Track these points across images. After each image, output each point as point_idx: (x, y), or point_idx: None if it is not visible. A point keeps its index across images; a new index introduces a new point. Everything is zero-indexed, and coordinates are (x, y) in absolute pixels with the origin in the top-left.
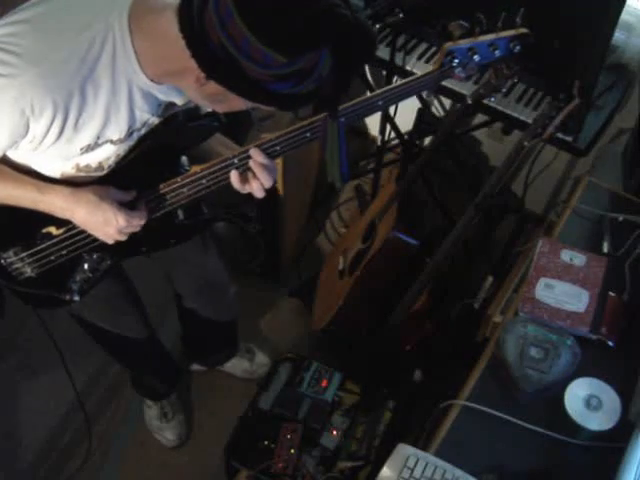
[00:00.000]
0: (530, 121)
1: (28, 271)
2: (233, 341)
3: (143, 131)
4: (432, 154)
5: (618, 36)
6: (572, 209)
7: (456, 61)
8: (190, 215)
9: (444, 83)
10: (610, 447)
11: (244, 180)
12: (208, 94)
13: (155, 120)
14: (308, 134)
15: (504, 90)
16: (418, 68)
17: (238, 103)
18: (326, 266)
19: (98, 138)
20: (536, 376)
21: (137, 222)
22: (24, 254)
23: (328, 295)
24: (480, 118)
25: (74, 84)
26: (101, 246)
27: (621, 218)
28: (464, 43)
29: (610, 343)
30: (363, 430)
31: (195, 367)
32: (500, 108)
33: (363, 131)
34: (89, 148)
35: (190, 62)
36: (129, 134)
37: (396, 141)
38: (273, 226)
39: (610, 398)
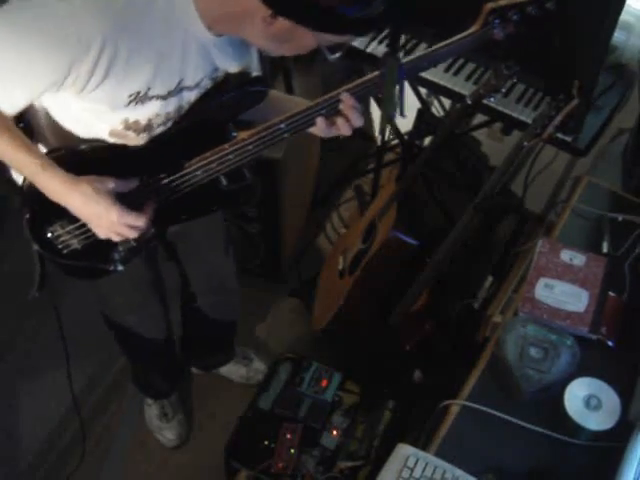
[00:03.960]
0: (530, 121)
1: (74, 243)
2: (230, 344)
3: (194, 93)
4: (432, 154)
5: (618, 36)
6: (572, 209)
7: (497, 21)
8: (233, 180)
9: (444, 83)
10: (610, 447)
11: (330, 124)
12: (274, 34)
13: (208, 83)
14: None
15: (504, 90)
16: None
17: (306, 40)
18: (326, 266)
19: (148, 89)
20: (536, 376)
21: (133, 221)
22: (71, 227)
23: (328, 295)
24: (480, 118)
25: (126, 20)
26: None
27: (621, 218)
28: (505, 2)
29: (610, 343)
30: (363, 430)
31: (193, 370)
32: (500, 108)
33: (363, 131)
34: (138, 98)
35: (254, 1)
36: (179, 90)
37: (396, 141)
38: (273, 226)
39: (610, 398)
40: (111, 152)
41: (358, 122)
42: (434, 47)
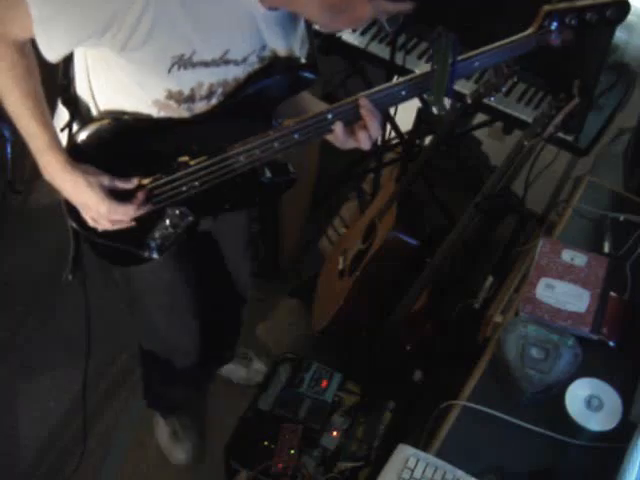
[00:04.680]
0: (530, 120)
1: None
2: (233, 345)
3: (241, 70)
4: (432, 154)
5: (619, 35)
6: (573, 209)
7: (554, 24)
8: (277, 173)
9: None
10: (611, 448)
11: (349, 133)
12: (331, 3)
13: (255, 61)
14: (404, 92)
15: (504, 90)
16: (419, 67)
17: (363, 8)
18: (326, 266)
19: (193, 52)
20: (537, 376)
21: (122, 212)
22: None
23: (328, 295)
24: (480, 117)
25: None
26: (185, 200)
27: (622, 218)
28: (564, 6)
29: (611, 343)
30: (363, 430)
31: None
32: (501, 107)
33: None
34: (181, 61)
35: None
36: (225, 61)
37: (396, 141)
38: (273, 226)
39: (611, 398)
40: (154, 127)
41: (376, 133)
42: (486, 48)
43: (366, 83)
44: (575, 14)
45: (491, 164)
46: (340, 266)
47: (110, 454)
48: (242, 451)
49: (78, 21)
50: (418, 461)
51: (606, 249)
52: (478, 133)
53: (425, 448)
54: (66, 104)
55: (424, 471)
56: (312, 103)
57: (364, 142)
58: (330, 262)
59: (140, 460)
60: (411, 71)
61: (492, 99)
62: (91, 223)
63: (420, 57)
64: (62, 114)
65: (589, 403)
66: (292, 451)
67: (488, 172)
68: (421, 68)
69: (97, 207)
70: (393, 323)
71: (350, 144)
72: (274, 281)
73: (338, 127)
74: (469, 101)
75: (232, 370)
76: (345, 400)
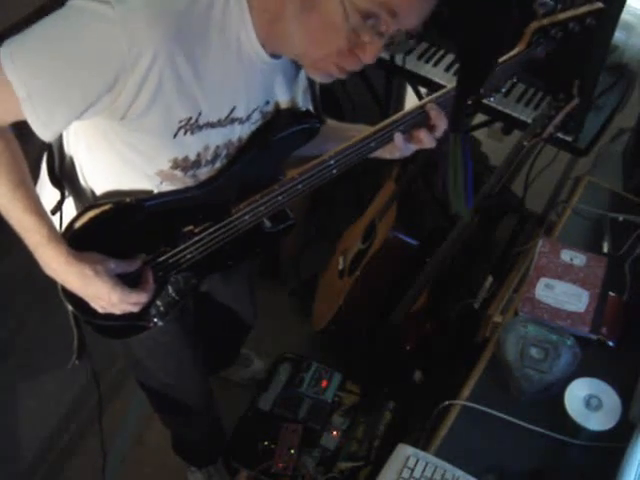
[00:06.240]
0: (530, 121)
1: None
2: (236, 354)
3: (245, 128)
4: (432, 154)
5: (618, 36)
6: (572, 209)
7: (541, 40)
8: (278, 222)
9: (444, 82)
10: (610, 447)
11: (408, 139)
12: (311, 27)
13: (258, 118)
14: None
15: (504, 90)
16: (418, 68)
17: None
18: (327, 266)
19: (199, 114)
20: (536, 376)
21: (135, 300)
22: None
23: (328, 295)
24: (480, 118)
25: (181, 30)
26: (188, 266)
27: (621, 218)
28: (548, 21)
29: (610, 343)
30: (363, 430)
31: None
32: (500, 108)
33: None
34: (188, 125)
35: None
36: (230, 120)
37: None
38: None
39: (610, 398)
40: (157, 204)
41: (445, 126)
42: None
43: (365, 83)
44: (559, 27)
45: (491, 164)
46: (340, 266)
47: (110, 454)
48: (242, 451)
49: (76, 91)
50: (418, 461)
51: (605, 249)
52: (478, 133)
53: (425, 448)
54: (56, 185)
55: (424, 471)
56: (358, 130)
57: (429, 143)
58: (330, 262)
59: (140, 460)
60: (411, 72)
61: (492, 99)
62: (102, 312)
63: (420, 58)
64: (46, 191)
65: (588, 403)
66: (292, 451)
67: (488, 172)
68: (421, 68)
69: (109, 296)
70: (393, 323)
71: (411, 150)
72: (274, 281)
73: (397, 138)
74: (469, 101)
75: (232, 370)
76: (345, 400)
